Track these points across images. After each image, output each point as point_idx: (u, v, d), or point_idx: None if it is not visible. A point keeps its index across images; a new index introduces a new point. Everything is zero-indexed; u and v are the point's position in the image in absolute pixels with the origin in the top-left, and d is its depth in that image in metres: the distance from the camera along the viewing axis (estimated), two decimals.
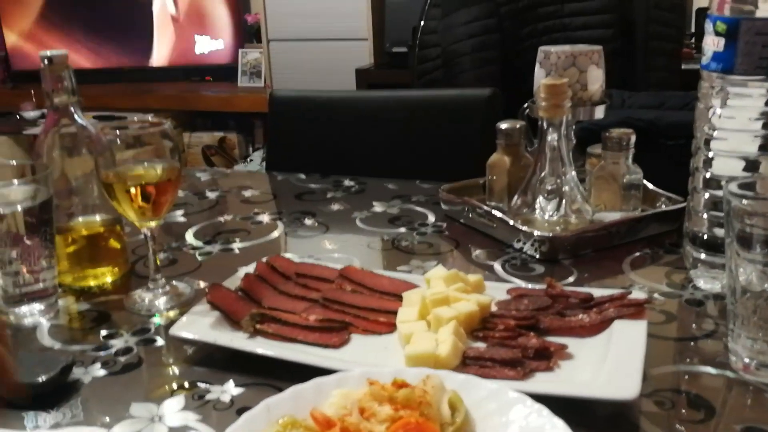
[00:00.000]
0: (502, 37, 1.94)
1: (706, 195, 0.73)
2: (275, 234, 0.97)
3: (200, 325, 0.67)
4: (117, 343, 0.69)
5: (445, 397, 0.53)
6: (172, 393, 0.61)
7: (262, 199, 1.14)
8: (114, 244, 0.83)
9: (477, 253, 0.89)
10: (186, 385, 0.62)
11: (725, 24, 0.67)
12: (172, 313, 0.75)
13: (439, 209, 1.02)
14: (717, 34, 0.68)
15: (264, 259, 0.79)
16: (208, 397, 0.60)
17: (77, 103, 0.78)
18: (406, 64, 2.45)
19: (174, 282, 0.80)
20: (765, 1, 0.64)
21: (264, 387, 0.61)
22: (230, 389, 0.61)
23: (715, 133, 0.70)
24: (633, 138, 0.89)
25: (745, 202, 0.59)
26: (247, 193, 1.16)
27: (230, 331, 0.67)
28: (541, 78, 0.89)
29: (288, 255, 0.85)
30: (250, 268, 0.78)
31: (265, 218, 1.03)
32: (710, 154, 0.71)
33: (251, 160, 3.07)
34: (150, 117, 3.26)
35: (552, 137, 0.84)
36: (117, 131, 0.72)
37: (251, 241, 0.95)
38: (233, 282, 0.75)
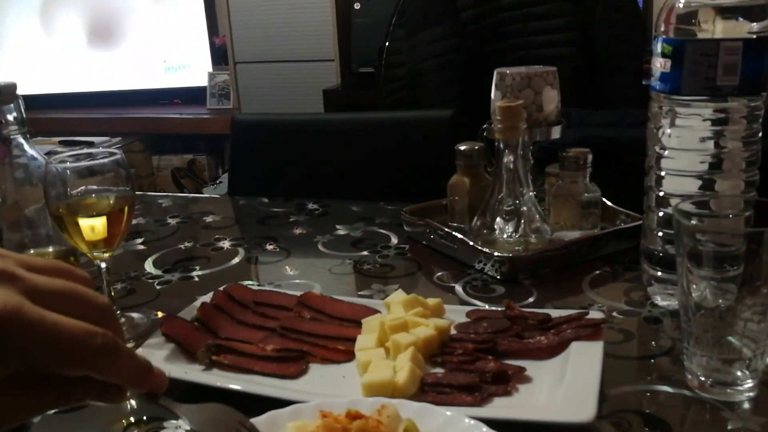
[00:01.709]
0: (468, 56, 1.96)
1: (660, 213, 0.74)
2: (236, 260, 0.96)
3: (155, 358, 0.66)
4: None
5: (401, 426, 0.53)
6: (125, 429, 0.60)
7: (223, 225, 1.13)
8: None
9: (439, 274, 0.88)
10: (142, 419, 0.61)
11: (671, 46, 0.68)
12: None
13: (403, 231, 1.02)
14: (663, 55, 0.69)
15: (221, 288, 0.78)
16: None
17: (27, 134, 0.77)
18: (373, 85, 2.45)
19: (130, 313, 0.79)
20: (707, 22, 0.65)
21: None
22: (185, 424, 0.60)
23: (665, 153, 0.71)
24: (590, 157, 0.90)
25: (694, 221, 0.60)
26: (209, 219, 1.15)
27: (185, 363, 0.66)
28: (497, 100, 0.90)
29: (247, 282, 0.84)
30: (208, 298, 0.77)
31: (226, 244, 1.02)
32: (661, 173, 0.72)
33: (221, 182, 3.05)
34: (109, 142, 3.24)
35: (508, 159, 0.85)
36: (68, 162, 0.71)
37: (212, 268, 0.94)
38: (190, 312, 0.74)
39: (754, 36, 0.65)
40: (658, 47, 0.69)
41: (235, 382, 0.62)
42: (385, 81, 2.10)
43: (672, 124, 0.70)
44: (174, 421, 0.60)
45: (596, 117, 1.12)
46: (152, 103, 3.55)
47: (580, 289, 0.82)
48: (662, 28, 0.68)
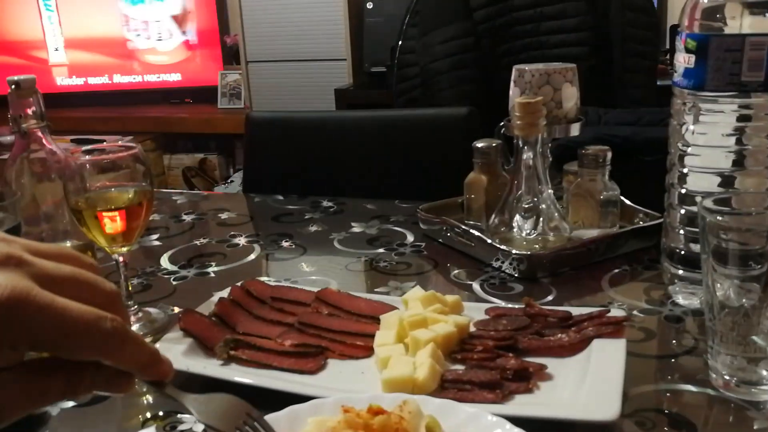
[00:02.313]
0: (480, 55, 1.95)
1: (682, 211, 0.73)
2: (252, 257, 0.96)
3: (173, 353, 0.65)
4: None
5: (423, 422, 0.52)
6: (144, 424, 0.60)
7: (238, 222, 1.13)
8: None
9: (456, 272, 0.88)
10: (159, 414, 0.61)
11: (695, 41, 0.67)
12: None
13: (418, 229, 1.01)
14: (687, 50, 0.68)
15: (239, 284, 0.78)
16: (181, 427, 0.59)
17: (46, 128, 0.77)
18: (386, 84, 2.45)
19: (147, 308, 0.79)
20: (734, 18, 0.65)
21: None
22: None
23: (688, 150, 0.70)
24: (609, 155, 0.90)
25: (719, 217, 0.59)
26: (224, 216, 1.14)
27: (204, 358, 0.66)
28: (515, 96, 0.89)
29: (264, 278, 0.84)
30: (225, 293, 0.76)
31: (241, 241, 1.02)
32: (684, 170, 0.71)
33: (232, 182, 3.06)
34: (121, 141, 3.24)
35: (527, 155, 0.84)
36: (86, 156, 0.71)
37: (227, 264, 0.94)
38: (207, 307, 0.74)
39: None
40: (682, 43, 0.69)
41: (254, 377, 0.62)
42: (397, 80, 2.09)
43: (696, 121, 0.69)
44: (190, 416, 0.60)
45: (613, 115, 1.11)
46: (164, 102, 3.56)
47: (600, 287, 0.82)
48: (686, 23, 0.67)
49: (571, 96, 0.89)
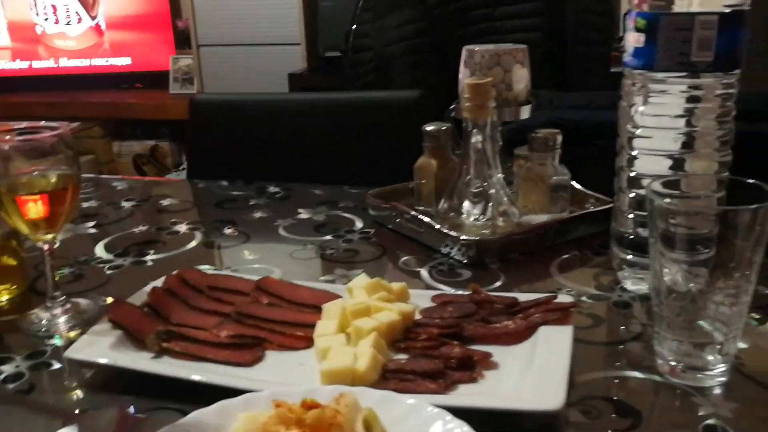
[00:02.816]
0: (435, 40, 1.92)
1: (631, 194, 0.71)
2: (192, 244, 0.92)
3: (99, 346, 0.61)
4: (6, 369, 0.63)
5: (360, 416, 0.49)
6: (65, 423, 0.56)
7: (180, 208, 1.08)
8: (9, 260, 0.76)
9: (404, 259, 0.85)
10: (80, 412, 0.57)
11: (645, 20, 0.65)
12: (73, 334, 0.69)
13: (368, 215, 0.98)
14: (637, 30, 0.66)
15: (174, 272, 0.74)
16: None
17: None
18: (340, 69, 2.41)
19: (77, 299, 0.74)
20: None
21: (169, 411, 0.56)
22: None
23: (637, 132, 0.69)
24: (559, 138, 0.88)
25: (667, 200, 0.57)
26: (165, 202, 1.10)
27: (133, 351, 0.62)
28: (465, 78, 0.86)
29: (204, 267, 0.80)
30: (160, 283, 0.73)
31: (182, 228, 0.98)
32: (634, 153, 0.70)
33: (184, 169, 2.98)
34: (67, 126, 3.14)
35: (476, 139, 0.82)
36: (6, 137, 0.66)
37: (166, 252, 0.89)
38: (140, 298, 0.70)
39: (730, 10, 0.63)
40: (632, 22, 0.67)
41: (185, 371, 0.59)
42: (351, 65, 2.05)
43: (645, 102, 0.67)
44: None
45: (565, 99, 1.09)
46: (113, 88, 3.46)
47: (548, 273, 0.80)
48: (636, 2, 0.66)
49: (521, 78, 0.87)
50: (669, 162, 0.68)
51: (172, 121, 3.25)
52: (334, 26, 2.48)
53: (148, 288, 0.71)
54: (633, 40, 0.67)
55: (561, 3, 1.93)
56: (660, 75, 0.65)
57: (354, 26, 1.98)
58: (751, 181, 0.57)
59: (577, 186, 0.95)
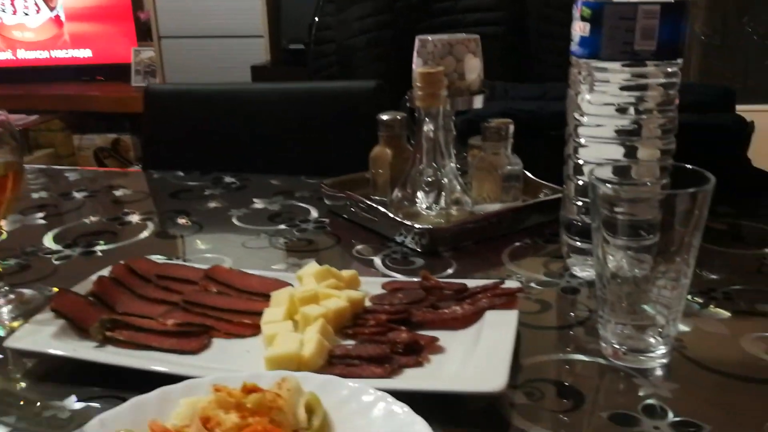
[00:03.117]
0: (398, 33, 1.92)
1: (578, 182, 0.72)
2: (144, 235, 0.91)
3: (41, 335, 0.60)
4: None
5: (302, 400, 0.49)
6: (3, 413, 0.55)
7: (134, 199, 1.07)
8: None
9: (358, 248, 0.85)
10: (20, 403, 0.56)
11: (590, 9, 0.66)
12: (16, 323, 0.68)
13: (323, 205, 0.98)
14: (583, 19, 0.67)
15: (122, 262, 0.73)
16: (45, 414, 0.54)
17: None
18: (304, 61, 2.40)
19: (21, 289, 0.73)
20: None
21: (112, 400, 0.55)
22: (71, 405, 0.55)
23: (584, 120, 0.70)
24: (511, 128, 0.89)
25: (609, 187, 0.58)
26: (119, 193, 1.08)
27: (77, 341, 0.61)
28: (418, 67, 0.87)
29: (155, 257, 0.80)
30: (107, 272, 0.72)
31: (134, 218, 0.96)
32: (580, 140, 0.71)
33: None
34: (22, 121, 3.08)
35: (429, 128, 0.82)
36: None
37: (117, 243, 0.88)
38: (85, 287, 0.69)
39: (673, 0, 0.64)
40: (578, 11, 0.68)
41: (129, 359, 0.58)
42: (314, 57, 2.04)
43: (590, 90, 0.68)
44: (59, 402, 0.55)
45: (520, 90, 1.10)
46: (73, 80, 3.40)
47: (500, 261, 0.81)
48: None
49: (473, 68, 0.88)
50: (614, 149, 0.69)
51: (134, 114, 3.20)
52: (298, 18, 2.47)
53: (94, 277, 0.70)
54: (579, 29, 0.68)
55: None
56: (604, 64, 0.66)
57: (317, 18, 1.97)
58: (689, 166, 0.58)
59: (530, 176, 0.96)
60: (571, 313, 0.70)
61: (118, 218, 0.97)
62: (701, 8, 2.51)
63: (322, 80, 1.98)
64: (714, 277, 0.74)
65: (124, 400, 0.54)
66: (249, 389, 0.48)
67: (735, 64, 2.56)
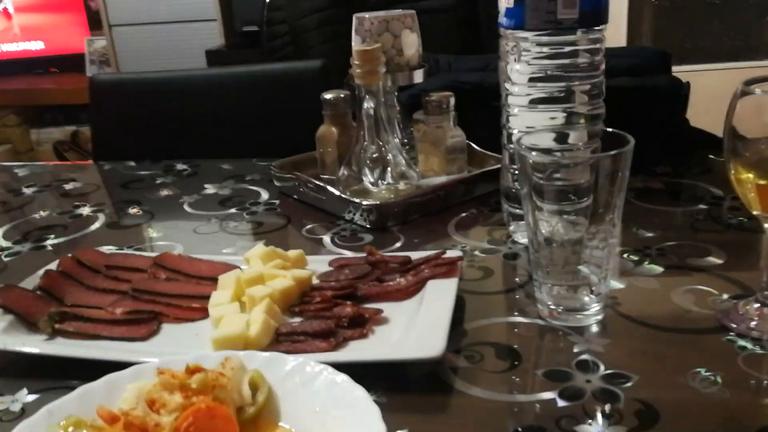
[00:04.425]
0: (349, 10, 1.92)
1: (512, 150, 0.74)
2: (95, 226, 0.91)
3: None
4: None
5: (246, 377, 0.51)
6: None
7: (85, 191, 1.07)
8: None
9: (309, 227, 0.87)
10: None
11: None
12: None
13: (274, 187, 0.99)
14: None
15: (69, 255, 0.74)
16: None
17: None
18: (258, 43, 2.38)
19: None
20: None
21: (62, 391, 0.56)
22: (22, 398, 0.56)
23: (514, 89, 0.72)
24: (452, 100, 0.90)
25: (534, 154, 0.60)
26: (69, 186, 1.08)
27: (26, 335, 0.62)
28: (357, 45, 0.88)
29: (105, 248, 0.80)
30: (54, 266, 0.72)
31: (85, 211, 0.96)
32: (512, 110, 0.73)
33: None
34: None
35: (369, 104, 0.83)
36: None
37: (67, 236, 0.88)
38: (33, 282, 0.69)
39: None
40: None
41: (78, 349, 0.59)
42: (267, 39, 2.03)
43: (518, 60, 0.70)
44: (11, 396, 0.56)
45: (462, 62, 1.12)
46: (27, 73, 3.33)
47: (446, 232, 0.83)
48: None
49: (411, 43, 0.89)
50: (543, 117, 0.71)
51: None
52: (251, 0, 2.45)
53: (41, 272, 0.70)
54: (504, 1, 0.69)
55: None
56: (529, 34, 0.68)
57: None
58: (610, 129, 0.61)
59: (475, 147, 0.98)
60: (510, 278, 0.73)
61: (69, 211, 0.97)
62: None
63: (276, 61, 1.97)
64: (649, 234, 0.77)
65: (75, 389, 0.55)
66: (192, 370, 0.49)
67: (685, 25, 2.60)
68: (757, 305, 0.59)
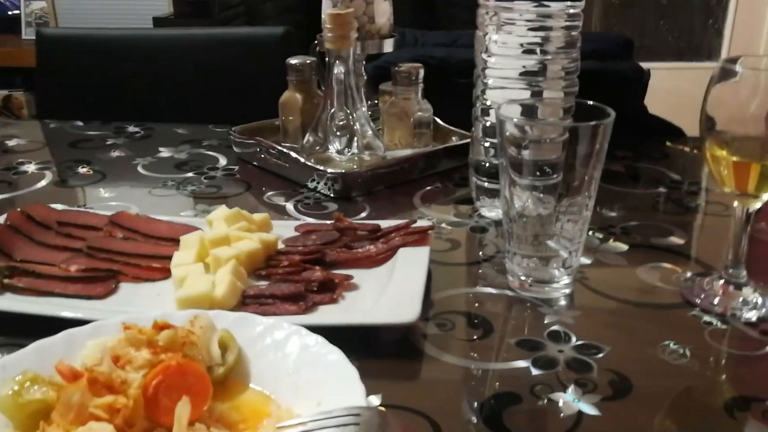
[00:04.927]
0: None
1: (486, 123, 0.74)
2: (42, 184, 0.86)
3: None
4: None
5: (216, 336, 0.49)
6: None
7: (29, 149, 1.01)
8: None
9: (269, 194, 0.84)
10: None
11: None
12: None
13: (232, 153, 0.96)
14: None
15: (18, 209, 0.69)
16: None
17: None
18: (208, 13, 2.31)
19: None
20: None
21: (15, 348, 0.53)
22: None
23: (491, 60, 0.71)
24: (421, 72, 0.89)
25: (515, 123, 0.60)
26: (12, 143, 1.02)
27: None
28: (327, 9, 0.85)
29: (54, 206, 0.76)
30: (1, 219, 0.68)
31: (30, 168, 0.91)
32: (489, 82, 0.72)
33: None
34: None
35: (339, 70, 0.81)
36: None
37: (12, 192, 0.83)
38: None
39: None
40: None
41: (31, 305, 0.55)
42: (220, 9, 1.98)
43: (498, 30, 0.69)
44: None
45: (430, 37, 1.11)
46: None
47: (412, 204, 0.82)
48: None
49: (383, 11, 0.87)
50: (519, 90, 0.70)
51: (26, 68, 2.99)
52: None
53: None
54: None
55: None
56: (511, 4, 0.67)
57: None
58: (591, 102, 0.61)
59: (440, 122, 0.97)
60: (478, 251, 0.72)
61: (13, 168, 0.91)
62: None
63: None
64: (613, 214, 0.78)
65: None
66: (160, 326, 0.47)
67: (633, 21, 2.66)
68: (721, 281, 0.61)
